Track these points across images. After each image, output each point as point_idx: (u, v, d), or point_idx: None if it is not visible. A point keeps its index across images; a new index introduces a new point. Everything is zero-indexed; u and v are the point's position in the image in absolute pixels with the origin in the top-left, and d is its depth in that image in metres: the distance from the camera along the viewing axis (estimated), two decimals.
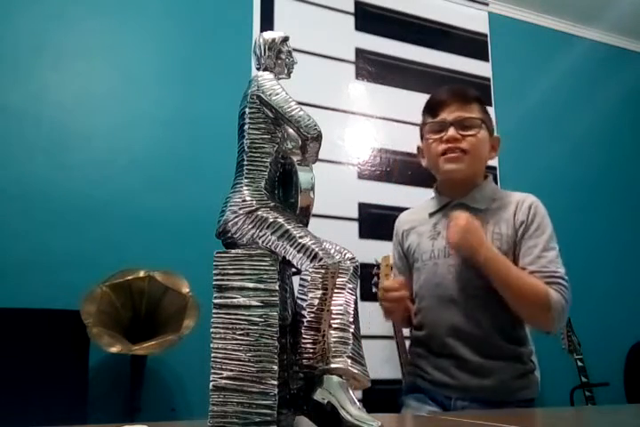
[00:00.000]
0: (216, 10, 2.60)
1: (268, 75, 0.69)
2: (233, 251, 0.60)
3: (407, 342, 1.86)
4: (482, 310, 1.35)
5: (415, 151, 1.59)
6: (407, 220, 1.57)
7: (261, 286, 0.58)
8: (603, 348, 2.71)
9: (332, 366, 0.59)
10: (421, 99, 1.55)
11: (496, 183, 3.01)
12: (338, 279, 0.63)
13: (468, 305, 1.35)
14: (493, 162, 3.04)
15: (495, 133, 1.51)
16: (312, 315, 0.61)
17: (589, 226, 3.18)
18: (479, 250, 1.28)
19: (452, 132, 1.37)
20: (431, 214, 1.48)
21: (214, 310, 0.58)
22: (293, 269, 0.65)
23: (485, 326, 1.34)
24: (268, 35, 0.73)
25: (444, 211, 1.45)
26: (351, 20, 2.89)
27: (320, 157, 0.69)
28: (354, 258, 0.66)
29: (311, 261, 0.61)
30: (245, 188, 0.65)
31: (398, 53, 2.95)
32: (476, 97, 1.46)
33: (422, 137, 1.50)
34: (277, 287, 0.58)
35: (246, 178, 0.65)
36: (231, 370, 0.56)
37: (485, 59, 3.19)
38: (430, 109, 1.45)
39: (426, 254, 1.43)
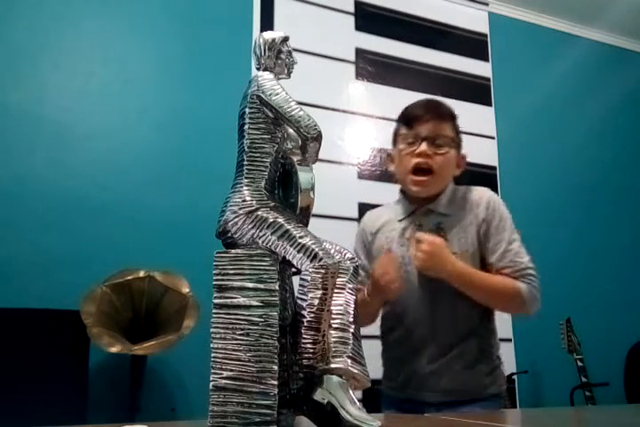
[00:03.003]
0: (216, 10, 2.60)
1: (268, 75, 0.69)
2: (233, 251, 0.60)
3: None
4: (452, 312, 1.41)
5: None
6: (374, 221, 1.58)
7: (261, 286, 0.58)
8: (603, 348, 2.71)
9: (332, 366, 0.59)
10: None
11: (496, 183, 3.02)
12: (338, 279, 0.63)
13: (439, 308, 1.41)
14: (493, 162, 3.04)
15: (463, 151, 1.54)
16: (312, 315, 0.61)
17: (589, 226, 3.18)
18: (443, 269, 1.36)
19: (424, 147, 1.42)
20: (400, 220, 1.52)
21: (214, 310, 0.58)
22: (293, 269, 0.65)
23: (458, 328, 1.41)
24: (268, 35, 0.73)
25: (412, 217, 1.50)
26: (351, 20, 2.89)
27: (320, 157, 0.69)
28: (354, 258, 0.66)
29: (311, 261, 0.61)
30: (245, 188, 0.65)
31: (398, 53, 2.95)
32: (450, 114, 1.50)
33: (394, 143, 1.54)
34: (277, 287, 0.58)
35: (246, 178, 0.65)
36: (231, 370, 0.56)
37: (485, 59, 3.19)
38: (406, 121, 1.50)
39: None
